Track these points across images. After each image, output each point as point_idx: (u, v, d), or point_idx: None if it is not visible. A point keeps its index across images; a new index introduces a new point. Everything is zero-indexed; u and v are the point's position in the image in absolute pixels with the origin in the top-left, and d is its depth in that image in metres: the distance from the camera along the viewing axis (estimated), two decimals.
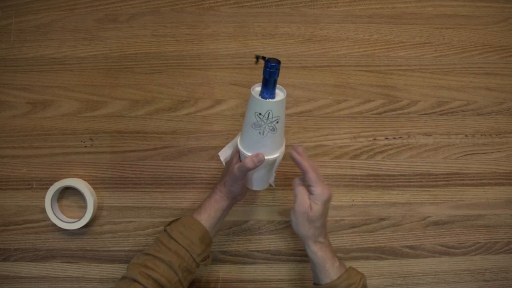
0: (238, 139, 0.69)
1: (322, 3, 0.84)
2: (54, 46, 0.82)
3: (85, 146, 0.82)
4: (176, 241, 0.65)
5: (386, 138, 0.83)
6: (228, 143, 0.74)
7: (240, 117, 0.82)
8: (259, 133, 0.64)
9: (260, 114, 0.63)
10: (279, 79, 0.62)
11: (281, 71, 0.82)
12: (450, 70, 0.84)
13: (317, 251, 0.66)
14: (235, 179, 0.67)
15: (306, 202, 0.65)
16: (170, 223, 0.69)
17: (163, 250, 0.65)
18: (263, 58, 0.62)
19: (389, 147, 0.83)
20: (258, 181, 0.71)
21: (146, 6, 0.83)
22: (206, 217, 0.68)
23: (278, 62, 0.61)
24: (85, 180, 0.81)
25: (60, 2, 0.83)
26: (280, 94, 0.64)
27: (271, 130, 0.64)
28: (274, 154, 0.67)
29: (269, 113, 0.62)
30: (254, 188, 0.72)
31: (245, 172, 0.66)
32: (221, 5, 0.83)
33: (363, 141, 0.83)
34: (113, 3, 0.83)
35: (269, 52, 0.83)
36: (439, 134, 0.83)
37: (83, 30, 0.83)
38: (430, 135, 0.83)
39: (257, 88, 0.64)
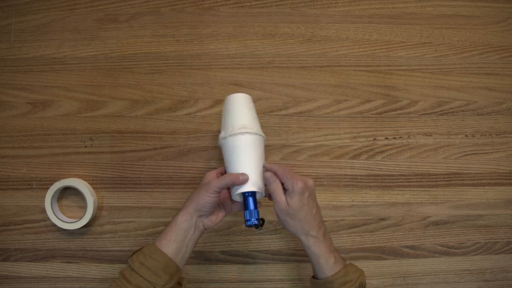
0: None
1: (322, 3, 0.84)
2: (54, 46, 0.82)
3: (85, 146, 0.82)
4: (137, 273, 0.61)
5: (386, 138, 0.83)
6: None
7: None
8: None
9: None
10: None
11: (281, 71, 0.83)
12: (450, 70, 0.84)
13: (310, 245, 0.65)
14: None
15: (282, 200, 0.64)
16: (133, 253, 0.65)
17: (125, 285, 0.61)
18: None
19: (389, 147, 0.83)
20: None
21: (146, 6, 0.83)
22: (167, 243, 0.63)
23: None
24: (85, 180, 0.81)
25: (60, 2, 0.83)
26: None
27: None
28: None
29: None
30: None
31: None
32: (221, 5, 0.83)
33: (363, 141, 0.83)
34: (113, 3, 0.83)
35: (269, 52, 0.83)
36: (439, 134, 0.83)
37: (83, 30, 0.83)
38: (430, 135, 0.83)
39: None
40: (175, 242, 0.63)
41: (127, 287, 0.60)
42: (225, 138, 0.68)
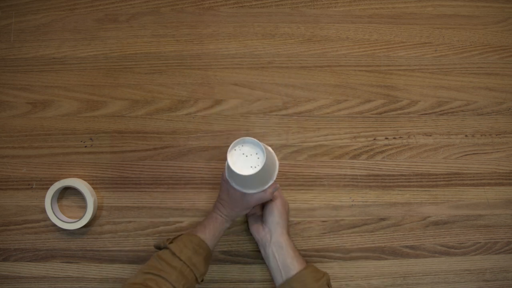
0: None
1: (322, 3, 0.84)
2: (54, 46, 0.82)
3: (85, 146, 0.82)
4: (181, 259, 0.66)
5: (386, 138, 0.83)
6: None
7: (240, 117, 0.82)
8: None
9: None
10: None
11: (281, 71, 0.83)
12: (450, 70, 0.84)
13: (290, 238, 0.73)
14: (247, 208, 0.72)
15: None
16: (171, 241, 0.69)
17: (167, 269, 0.64)
18: None
19: (389, 147, 0.83)
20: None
21: (146, 6, 0.83)
22: (211, 237, 0.71)
23: None
24: (85, 180, 0.81)
25: (60, 2, 0.83)
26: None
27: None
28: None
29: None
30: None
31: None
32: (221, 5, 0.83)
33: (363, 141, 0.83)
34: (113, 3, 0.83)
35: (269, 52, 0.83)
36: (439, 134, 0.83)
37: (83, 30, 0.83)
38: (430, 135, 0.83)
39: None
40: (217, 238, 0.72)
41: (171, 272, 0.64)
42: (253, 193, 0.70)
